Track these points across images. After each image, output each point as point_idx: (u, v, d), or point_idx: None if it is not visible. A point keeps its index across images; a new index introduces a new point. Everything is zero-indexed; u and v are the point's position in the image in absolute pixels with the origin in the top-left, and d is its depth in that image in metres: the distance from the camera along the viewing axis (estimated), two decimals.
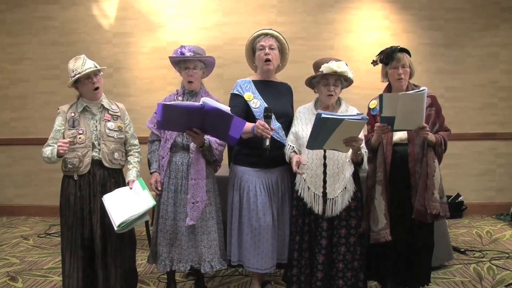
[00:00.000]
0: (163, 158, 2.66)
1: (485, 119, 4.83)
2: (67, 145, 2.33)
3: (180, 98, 2.67)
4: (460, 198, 4.71)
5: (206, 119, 2.31)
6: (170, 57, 2.69)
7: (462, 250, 3.59)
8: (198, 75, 2.68)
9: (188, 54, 2.61)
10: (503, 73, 4.80)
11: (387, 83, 2.54)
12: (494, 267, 3.23)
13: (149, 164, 2.73)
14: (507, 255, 3.48)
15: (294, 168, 2.35)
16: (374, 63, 2.51)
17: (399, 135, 2.43)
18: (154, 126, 2.72)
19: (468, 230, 4.26)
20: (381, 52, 2.48)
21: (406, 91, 2.43)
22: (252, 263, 2.61)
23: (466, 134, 4.74)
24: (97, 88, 2.49)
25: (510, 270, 3.17)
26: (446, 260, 3.22)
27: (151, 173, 2.70)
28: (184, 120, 2.33)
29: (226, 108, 2.31)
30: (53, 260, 3.60)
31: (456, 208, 4.62)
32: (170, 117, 2.30)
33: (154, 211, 2.78)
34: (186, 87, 2.71)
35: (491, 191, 4.89)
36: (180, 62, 2.66)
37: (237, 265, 2.74)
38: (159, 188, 2.65)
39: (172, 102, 2.33)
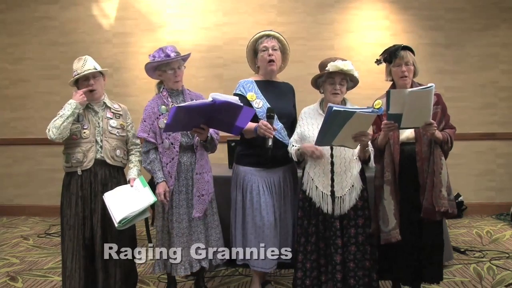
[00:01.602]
0: (167, 164, 2.59)
1: (485, 119, 4.83)
2: (83, 93, 2.44)
3: (170, 99, 2.64)
4: (460, 198, 4.71)
5: (215, 113, 2.34)
6: (154, 62, 2.57)
7: (462, 250, 3.59)
8: (182, 73, 2.67)
9: (172, 54, 2.57)
10: (503, 73, 4.80)
11: (391, 82, 2.54)
12: (494, 267, 3.23)
13: (152, 174, 2.62)
14: (507, 255, 3.48)
15: (311, 149, 2.37)
16: (378, 62, 2.51)
17: (406, 134, 2.43)
18: (149, 134, 2.60)
19: (468, 230, 4.26)
20: (385, 51, 2.48)
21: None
22: (257, 262, 2.62)
23: (466, 134, 4.73)
24: (93, 90, 2.50)
25: (510, 270, 3.16)
26: (446, 260, 3.20)
27: (157, 183, 2.58)
28: (193, 118, 2.36)
29: (235, 99, 2.33)
30: (53, 260, 3.60)
31: (456, 208, 4.61)
32: (181, 118, 2.32)
33: (154, 217, 2.75)
34: (171, 88, 2.66)
35: (491, 191, 4.89)
36: (162, 64, 2.60)
37: (242, 264, 2.75)
38: (168, 198, 2.58)
39: (185, 104, 2.36)
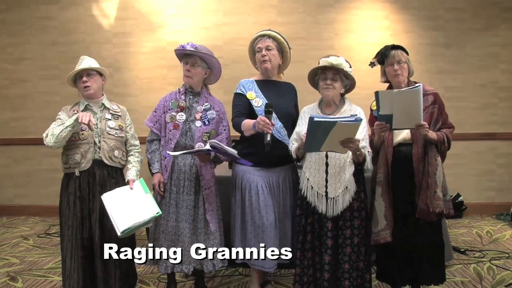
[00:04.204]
0: (165, 158, 2.65)
1: (485, 119, 4.83)
2: (92, 120, 2.35)
3: (182, 96, 2.68)
4: (460, 198, 4.72)
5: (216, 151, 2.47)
6: (175, 50, 2.69)
7: (462, 250, 3.59)
8: (197, 72, 2.66)
9: (188, 47, 2.62)
10: (503, 73, 4.80)
11: (388, 84, 2.55)
12: (494, 267, 3.23)
13: (150, 164, 2.71)
14: (507, 255, 3.48)
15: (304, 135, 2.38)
16: (372, 64, 2.53)
17: (403, 135, 2.44)
18: (154, 125, 2.71)
19: (468, 230, 4.26)
20: (377, 53, 2.51)
21: None
22: (256, 261, 2.61)
23: (466, 134, 4.74)
24: (86, 87, 2.51)
25: (510, 270, 3.17)
26: (446, 260, 3.18)
27: (153, 174, 2.68)
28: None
29: (233, 152, 2.42)
30: (53, 260, 3.60)
31: (456, 208, 4.61)
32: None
33: None
34: (186, 82, 2.70)
35: (491, 191, 4.89)
36: (182, 58, 2.67)
37: (241, 263, 2.75)
38: (162, 189, 2.64)
39: (181, 152, 2.48)
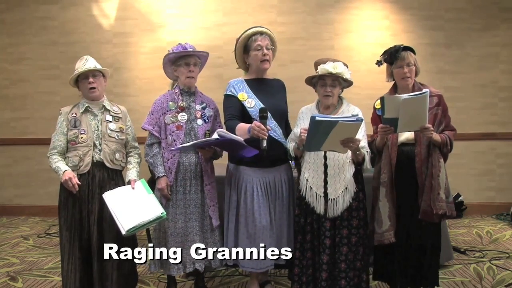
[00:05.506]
0: (168, 160, 2.63)
1: (485, 119, 4.83)
2: (75, 185, 2.40)
3: (181, 97, 2.67)
4: (460, 198, 4.71)
5: (221, 143, 2.46)
6: (171, 53, 2.63)
7: (462, 250, 3.59)
8: (197, 71, 2.69)
9: (189, 49, 2.63)
10: (503, 73, 4.80)
11: (393, 82, 2.54)
12: (494, 267, 3.23)
13: (153, 168, 2.66)
14: (507, 255, 3.48)
15: (301, 133, 2.37)
16: (379, 63, 2.50)
17: (406, 135, 2.43)
18: (154, 127, 2.66)
19: (468, 230, 4.26)
20: (385, 52, 2.48)
21: (412, 90, 2.43)
22: (246, 262, 2.59)
23: (466, 134, 4.73)
24: (93, 88, 2.50)
25: (510, 270, 3.16)
26: (446, 260, 3.21)
27: (158, 178, 2.61)
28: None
29: (240, 139, 2.38)
30: (53, 260, 3.60)
31: (456, 208, 4.58)
32: (186, 147, 2.53)
33: None
34: (184, 84, 2.68)
35: (491, 191, 4.89)
36: (179, 59, 2.64)
37: (234, 264, 2.74)
38: (169, 193, 2.62)
39: (189, 143, 2.51)
